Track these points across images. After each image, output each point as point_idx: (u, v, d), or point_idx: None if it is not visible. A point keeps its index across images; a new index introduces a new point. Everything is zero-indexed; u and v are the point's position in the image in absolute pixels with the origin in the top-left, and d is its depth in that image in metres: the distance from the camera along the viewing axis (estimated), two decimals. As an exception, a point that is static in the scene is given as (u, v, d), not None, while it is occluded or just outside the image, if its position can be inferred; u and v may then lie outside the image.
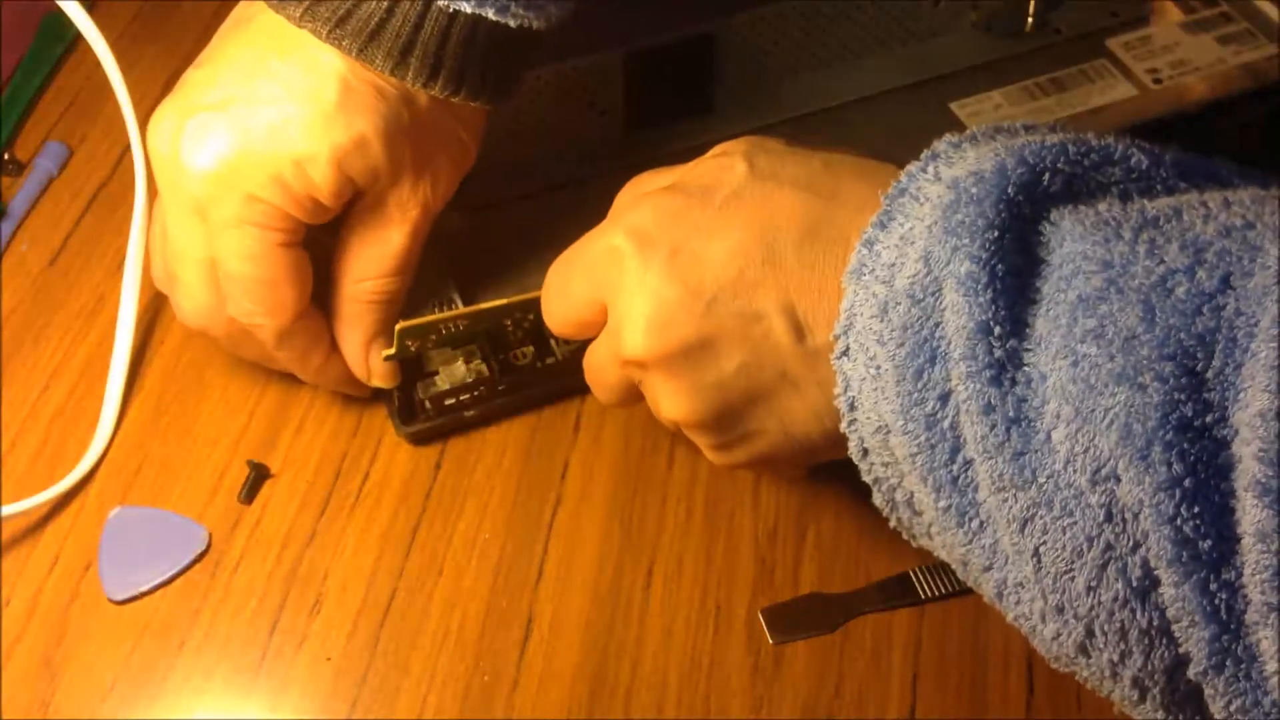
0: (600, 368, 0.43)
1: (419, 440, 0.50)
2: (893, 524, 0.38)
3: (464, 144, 0.45)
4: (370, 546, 0.47)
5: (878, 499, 0.38)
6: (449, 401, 0.49)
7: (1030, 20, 0.58)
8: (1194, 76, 0.57)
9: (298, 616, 0.46)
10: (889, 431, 0.35)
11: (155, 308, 0.54)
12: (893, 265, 0.35)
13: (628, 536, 0.48)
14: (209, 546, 0.47)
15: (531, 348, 0.50)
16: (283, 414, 0.51)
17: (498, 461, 0.50)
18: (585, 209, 0.46)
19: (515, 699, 0.44)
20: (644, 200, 0.40)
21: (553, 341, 0.50)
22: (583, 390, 0.51)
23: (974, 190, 0.34)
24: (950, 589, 0.46)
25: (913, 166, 0.36)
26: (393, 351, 0.47)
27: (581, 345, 0.50)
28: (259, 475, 0.49)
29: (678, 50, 0.51)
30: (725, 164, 0.40)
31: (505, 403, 0.50)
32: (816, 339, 0.37)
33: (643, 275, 0.39)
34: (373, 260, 0.45)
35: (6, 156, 0.59)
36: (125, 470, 0.49)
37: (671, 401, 0.40)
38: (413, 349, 0.47)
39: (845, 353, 0.36)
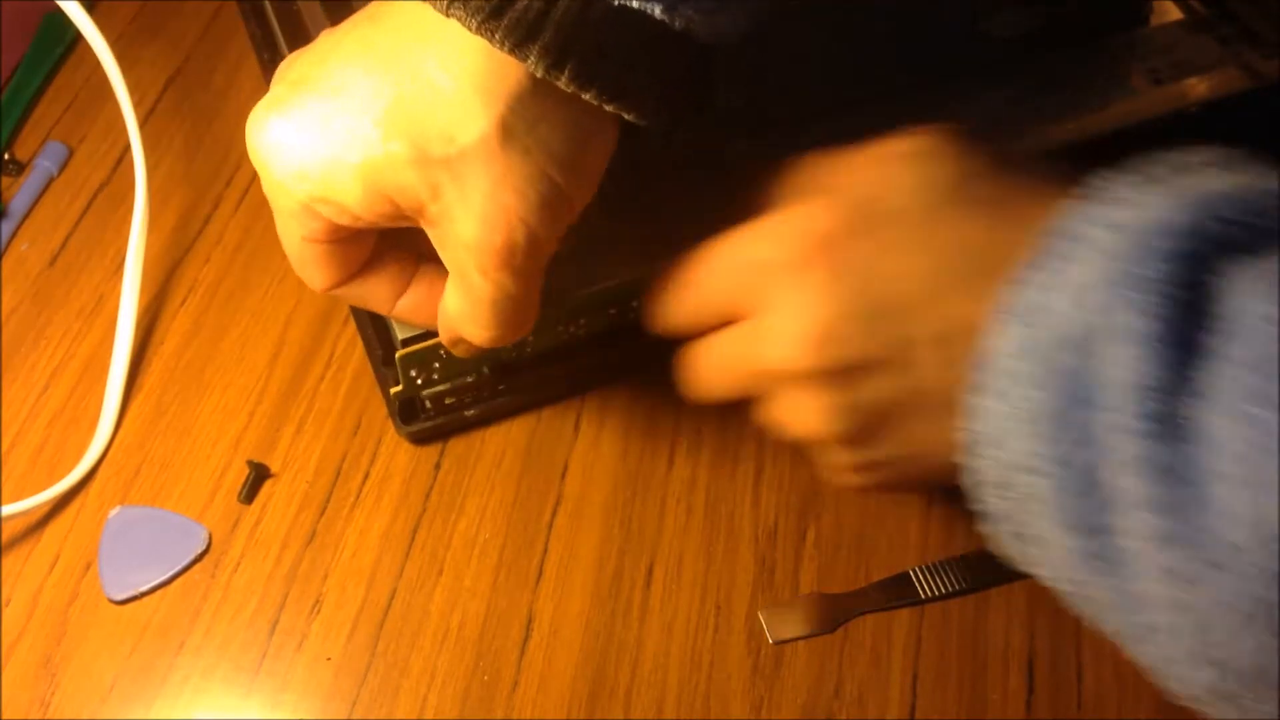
0: (721, 368, 0.41)
1: (419, 440, 0.50)
2: (993, 547, 0.38)
3: (555, 184, 0.38)
4: (370, 546, 0.47)
5: (986, 528, 0.37)
6: (449, 401, 0.49)
7: (1030, 20, 0.58)
8: (1194, 76, 0.57)
9: (298, 616, 0.46)
10: (1021, 470, 0.34)
11: (155, 308, 0.54)
12: (1046, 308, 0.34)
13: (628, 536, 0.48)
14: (209, 546, 0.47)
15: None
16: (283, 414, 0.51)
17: (498, 461, 0.50)
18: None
19: (515, 699, 0.44)
20: (809, 208, 0.39)
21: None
22: (583, 390, 0.51)
23: (1136, 240, 0.33)
24: (950, 589, 0.46)
25: (1069, 205, 0.35)
26: (400, 388, 0.47)
27: (582, 346, 0.50)
28: (259, 475, 0.49)
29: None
30: (896, 173, 0.39)
31: (505, 403, 0.50)
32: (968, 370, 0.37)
33: (805, 287, 0.37)
34: (431, 308, 0.43)
35: (6, 156, 0.59)
36: (125, 470, 0.49)
37: (810, 417, 0.38)
38: (418, 379, 0.47)
39: (984, 388, 0.35)
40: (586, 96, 0.37)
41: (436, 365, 0.47)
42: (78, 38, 0.63)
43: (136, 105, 0.53)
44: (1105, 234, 0.34)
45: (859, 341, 0.37)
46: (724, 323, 0.40)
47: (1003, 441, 0.35)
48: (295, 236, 0.41)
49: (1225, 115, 0.56)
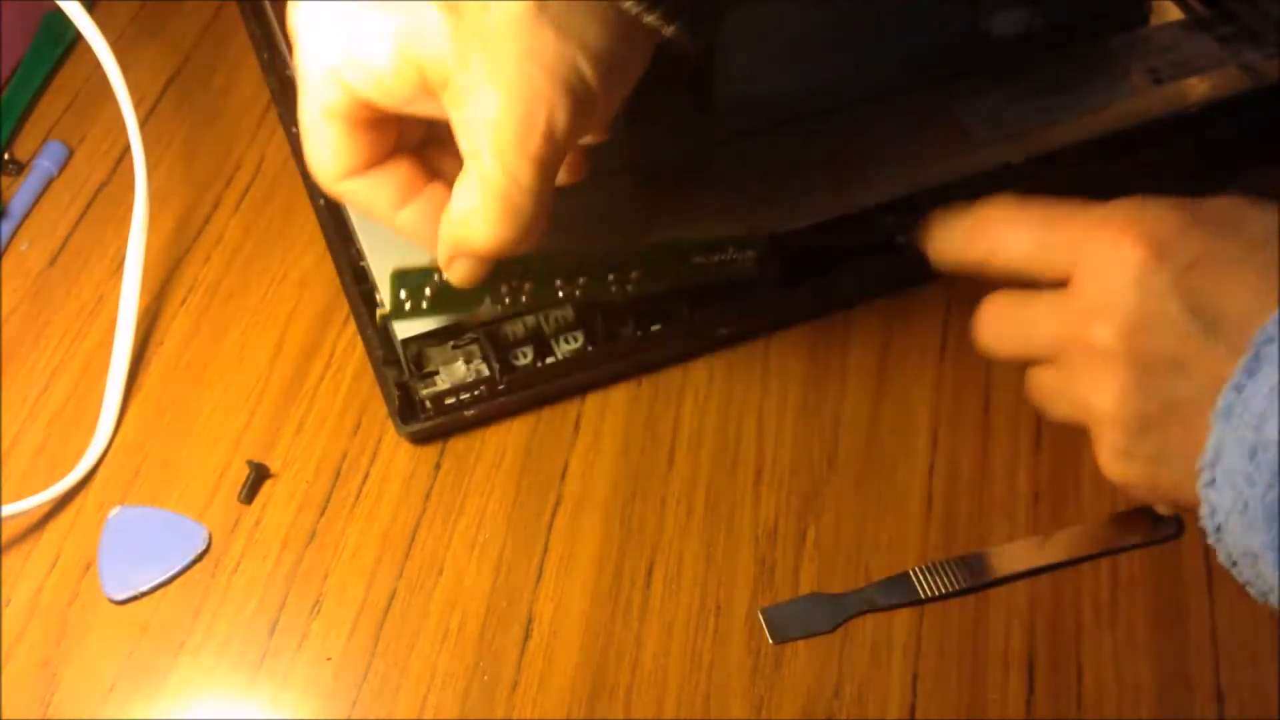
0: (1029, 320, 0.41)
1: (419, 440, 0.50)
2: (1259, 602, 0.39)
3: (583, 77, 0.38)
4: (370, 546, 0.47)
5: (1252, 592, 0.38)
6: (449, 401, 0.49)
7: (1030, 19, 0.58)
8: (1194, 76, 0.57)
9: (298, 616, 0.46)
10: (1258, 558, 0.35)
11: (155, 308, 0.54)
12: (1262, 414, 0.35)
13: (628, 536, 0.48)
14: (209, 546, 0.47)
15: (531, 347, 0.50)
16: (283, 414, 0.51)
17: (498, 461, 0.50)
18: (584, 210, 0.46)
19: (515, 699, 0.44)
20: (1160, 208, 0.39)
21: (553, 341, 0.50)
22: (582, 390, 0.51)
23: None
24: (950, 589, 0.46)
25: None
26: (387, 310, 0.45)
27: (581, 346, 0.50)
28: (259, 475, 0.49)
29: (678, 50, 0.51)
30: (1245, 204, 0.40)
31: (505, 403, 0.50)
32: None
33: (1138, 276, 0.38)
34: (444, 199, 0.41)
35: (6, 156, 0.59)
36: (125, 470, 0.49)
37: (1104, 394, 0.39)
38: (407, 304, 0.45)
39: (1212, 483, 0.36)
40: (625, 5, 0.38)
41: (428, 293, 0.45)
42: (78, 38, 0.63)
43: (136, 105, 0.53)
44: None
45: (1173, 339, 0.38)
46: (1036, 278, 0.41)
47: (1228, 528, 0.36)
48: (316, 109, 0.40)
49: (1225, 115, 0.56)
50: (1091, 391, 0.39)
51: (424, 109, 0.39)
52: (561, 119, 0.38)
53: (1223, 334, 0.37)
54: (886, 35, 0.56)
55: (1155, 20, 0.60)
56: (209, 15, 0.66)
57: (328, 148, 0.41)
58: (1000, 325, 0.42)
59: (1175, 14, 0.60)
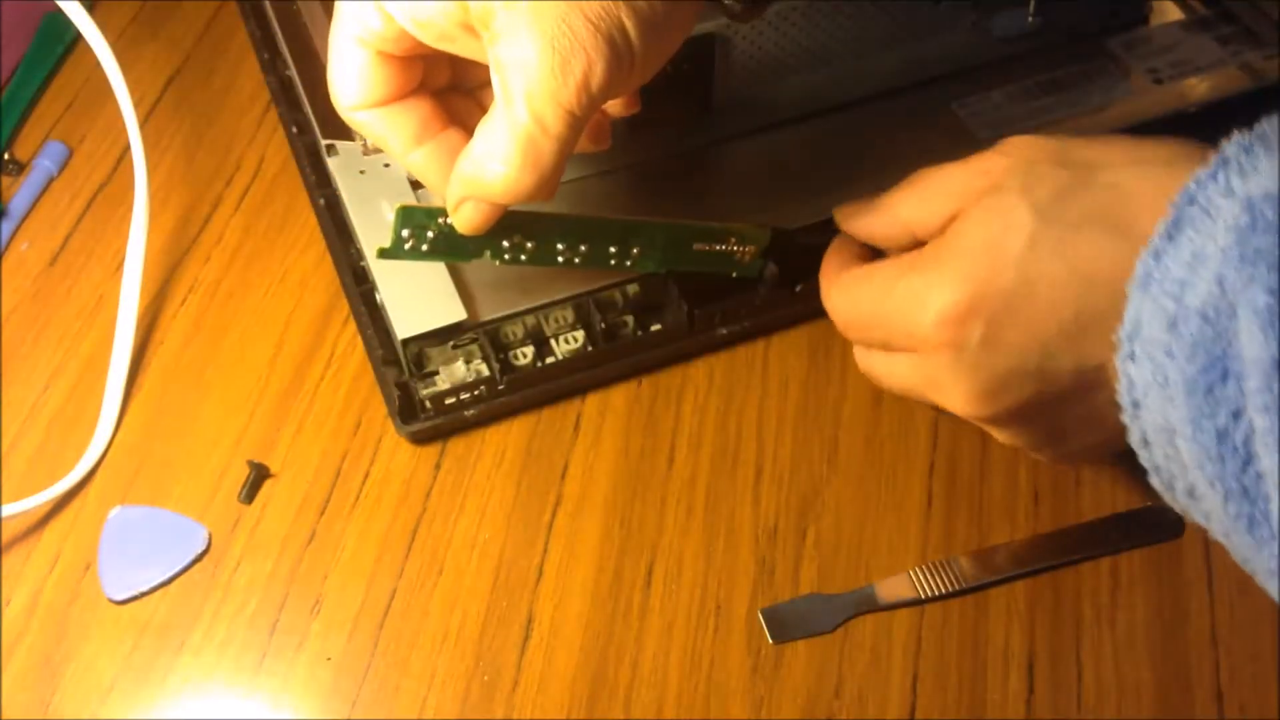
0: (900, 388, 0.43)
1: (419, 440, 0.50)
2: (1166, 500, 0.38)
3: (626, 34, 0.38)
4: (370, 546, 0.47)
5: (1154, 481, 0.37)
6: (449, 401, 0.49)
7: (1030, 19, 0.58)
8: (1194, 76, 0.57)
9: (298, 616, 0.46)
10: (1175, 434, 0.35)
11: (155, 308, 0.54)
12: (1183, 281, 0.34)
13: (628, 536, 0.48)
14: (209, 546, 0.47)
15: (531, 347, 0.50)
16: (283, 414, 0.51)
17: (498, 461, 0.50)
18: (585, 209, 0.46)
19: (515, 699, 0.44)
20: (941, 284, 0.39)
21: (553, 341, 0.50)
22: (582, 390, 0.51)
23: (1270, 216, 0.33)
24: (950, 589, 0.46)
25: (1201, 173, 0.35)
26: (388, 245, 0.44)
27: (581, 346, 0.50)
28: (259, 475, 0.49)
29: (678, 50, 0.51)
30: (1006, 209, 0.39)
31: (505, 403, 0.50)
32: None
33: (958, 358, 0.39)
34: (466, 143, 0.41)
35: (6, 156, 0.59)
36: (125, 470, 0.49)
37: (997, 434, 0.41)
38: (408, 241, 0.44)
39: (1130, 356, 0.36)
40: None
41: (430, 235, 0.44)
42: (78, 38, 0.63)
43: (136, 105, 0.53)
44: (1233, 206, 0.34)
45: (1016, 392, 0.39)
46: (890, 343, 0.42)
47: (1146, 404, 0.36)
48: (350, 35, 0.40)
49: (1225, 115, 0.56)
50: (985, 429, 0.42)
51: (461, 47, 0.39)
52: (599, 72, 0.38)
53: (1050, 361, 0.38)
54: (887, 35, 0.56)
55: (1155, 20, 0.60)
56: (209, 15, 0.66)
57: (354, 75, 0.41)
58: (880, 382, 0.44)
59: (1175, 14, 0.60)
